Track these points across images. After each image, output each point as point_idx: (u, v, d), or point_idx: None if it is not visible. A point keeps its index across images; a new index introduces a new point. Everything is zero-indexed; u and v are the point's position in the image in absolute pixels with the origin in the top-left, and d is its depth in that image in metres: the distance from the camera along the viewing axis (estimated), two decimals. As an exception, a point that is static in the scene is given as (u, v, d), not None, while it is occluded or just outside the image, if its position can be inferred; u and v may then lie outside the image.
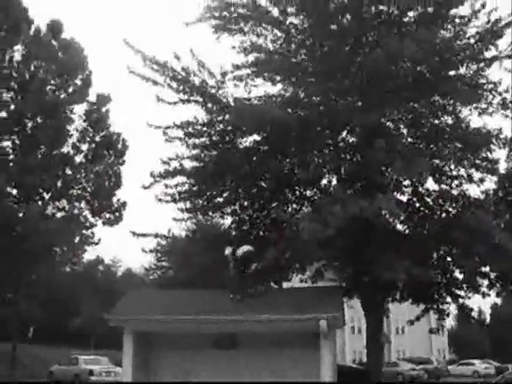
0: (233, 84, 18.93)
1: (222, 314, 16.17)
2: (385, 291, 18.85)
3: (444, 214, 18.71)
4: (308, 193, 19.86)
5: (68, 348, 48.77)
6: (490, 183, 19.12)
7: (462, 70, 17.97)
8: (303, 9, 18.76)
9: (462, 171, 18.75)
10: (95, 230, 42.17)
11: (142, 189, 18.97)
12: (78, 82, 41.27)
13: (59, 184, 40.26)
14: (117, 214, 42.01)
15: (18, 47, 39.58)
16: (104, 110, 42.23)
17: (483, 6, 17.40)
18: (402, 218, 18.28)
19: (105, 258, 75.07)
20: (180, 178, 19.30)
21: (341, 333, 52.69)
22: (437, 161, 18.50)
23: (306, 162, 18.19)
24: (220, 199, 19.78)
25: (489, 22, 17.30)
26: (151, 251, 31.55)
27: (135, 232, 19.35)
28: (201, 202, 19.72)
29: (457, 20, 18.04)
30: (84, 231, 41.55)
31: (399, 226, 19.09)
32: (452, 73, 18.00)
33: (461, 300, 19.64)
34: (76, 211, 40.99)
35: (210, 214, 20.60)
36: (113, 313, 17.38)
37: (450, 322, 77.10)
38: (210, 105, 18.80)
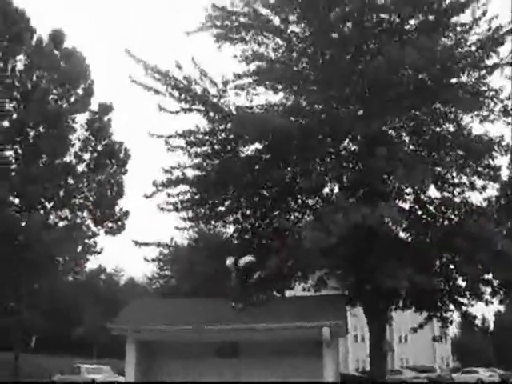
0: (234, 93, 18.99)
1: (223, 324, 16.14)
2: (387, 299, 18.80)
3: (446, 222, 18.66)
4: (310, 201, 19.83)
5: (71, 357, 48.76)
6: (492, 190, 19.08)
7: (464, 78, 18.00)
8: (304, 17, 18.83)
9: (464, 179, 18.72)
10: (97, 239, 42.37)
11: (145, 198, 18.96)
12: (80, 91, 41.45)
13: (61, 193, 40.37)
14: (119, 223, 42.08)
15: (21, 57, 39.86)
16: (106, 119, 42.38)
17: (484, 13, 17.46)
18: (404, 225, 18.27)
19: (107, 267, 75.24)
20: (182, 187, 19.28)
21: (344, 341, 52.64)
22: (439, 168, 18.47)
23: (308, 171, 18.18)
24: (222, 208, 19.74)
25: (490, 29, 17.33)
26: (154, 260, 31.36)
27: (138, 241, 19.30)
28: (203, 210, 19.68)
29: (458, 28, 18.10)
30: (86, 240, 41.63)
31: (401, 234, 19.03)
32: (453, 80, 18.02)
33: (464, 308, 19.56)
34: (78, 220, 41.09)
35: (213, 222, 20.54)
36: (115, 322, 17.34)
37: (453, 330, 77.10)
38: (211, 114, 18.78)
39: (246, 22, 18.96)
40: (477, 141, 17.78)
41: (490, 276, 18.56)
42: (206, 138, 19.08)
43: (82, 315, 61.49)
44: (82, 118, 41.84)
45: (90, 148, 41.93)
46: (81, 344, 57.66)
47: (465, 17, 17.77)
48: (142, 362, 17.32)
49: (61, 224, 40.69)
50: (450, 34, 18.23)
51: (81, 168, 41.70)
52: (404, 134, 19.25)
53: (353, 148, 19.07)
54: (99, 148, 42.07)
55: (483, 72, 17.84)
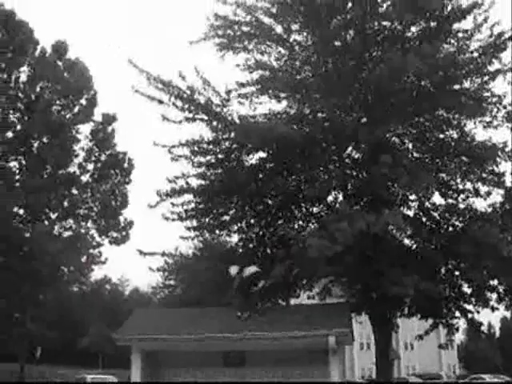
0: (238, 102, 19.00)
1: (229, 333, 16.13)
2: (393, 306, 18.75)
3: (451, 228, 18.61)
4: (314, 209, 19.79)
5: (76, 367, 48.68)
6: (497, 196, 19.03)
7: (466, 84, 17.99)
8: (307, 26, 18.88)
9: (468, 185, 18.67)
10: (102, 250, 42.33)
11: (149, 207, 18.93)
12: (84, 101, 41.54)
13: (66, 204, 40.41)
14: (123, 233, 42.06)
15: (24, 68, 40.01)
16: (110, 129, 42.44)
17: (486, 19, 17.48)
18: (409, 232, 18.23)
19: (112, 277, 75.25)
20: (186, 197, 19.22)
21: (349, 349, 52.44)
22: (443, 175, 18.45)
23: (312, 179, 18.18)
24: (227, 217, 19.69)
25: (492, 35, 17.35)
26: (158, 270, 31.32)
27: (142, 251, 19.25)
28: (207, 220, 19.63)
29: (460, 34, 18.11)
30: (91, 250, 41.61)
31: (406, 241, 19.01)
32: (456, 87, 18.00)
33: (470, 314, 19.46)
34: (83, 231, 41.09)
35: (217, 232, 20.48)
36: (120, 332, 17.37)
37: (459, 337, 76.79)
38: (215, 123, 18.77)
39: (248, 31, 19.01)
40: (480, 147, 17.76)
41: (495, 282, 18.48)
42: (210, 147, 19.07)
43: (87, 325, 61.40)
44: (85, 129, 42.02)
45: (94, 158, 42.00)
46: (86, 354, 57.60)
47: (467, 23, 17.83)
48: (148, 372, 17.32)
49: (65, 234, 40.72)
50: (452, 41, 18.23)
51: (85, 178, 41.79)
52: (407, 140, 19.24)
53: (356, 156, 19.06)
54: (103, 158, 42.14)
55: (486, 78, 17.83)
